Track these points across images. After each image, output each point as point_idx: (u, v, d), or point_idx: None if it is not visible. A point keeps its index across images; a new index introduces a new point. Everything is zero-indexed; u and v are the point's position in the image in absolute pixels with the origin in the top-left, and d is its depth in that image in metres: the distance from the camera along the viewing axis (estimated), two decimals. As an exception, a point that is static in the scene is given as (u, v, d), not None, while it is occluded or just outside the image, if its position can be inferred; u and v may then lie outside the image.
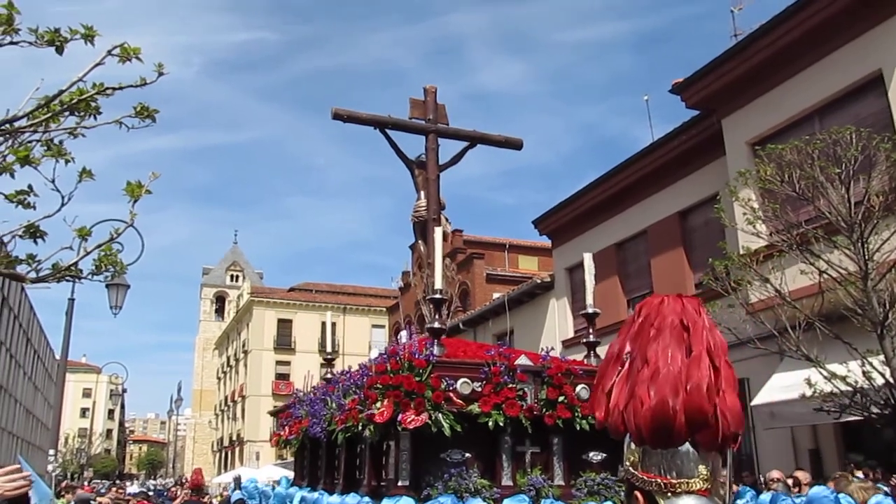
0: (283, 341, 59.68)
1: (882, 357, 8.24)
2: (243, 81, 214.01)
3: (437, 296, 5.91)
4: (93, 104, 3.40)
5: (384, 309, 48.71)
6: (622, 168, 17.80)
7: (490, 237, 34.82)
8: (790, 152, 8.92)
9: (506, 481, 5.47)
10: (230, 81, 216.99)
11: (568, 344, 19.07)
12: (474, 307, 27.45)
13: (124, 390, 66.32)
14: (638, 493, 1.62)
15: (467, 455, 5.36)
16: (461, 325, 25.76)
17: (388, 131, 7.92)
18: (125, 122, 3.53)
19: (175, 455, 79.58)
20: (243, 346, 62.64)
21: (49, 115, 3.32)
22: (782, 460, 12.10)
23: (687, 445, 1.58)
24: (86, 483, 31.88)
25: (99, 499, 11.69)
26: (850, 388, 8.51)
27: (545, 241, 24.23)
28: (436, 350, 5.54)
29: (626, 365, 1.69)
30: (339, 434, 6.06)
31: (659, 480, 1.58)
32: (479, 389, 5.44)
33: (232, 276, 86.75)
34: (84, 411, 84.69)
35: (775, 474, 9.39)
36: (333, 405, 6.54)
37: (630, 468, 1.66)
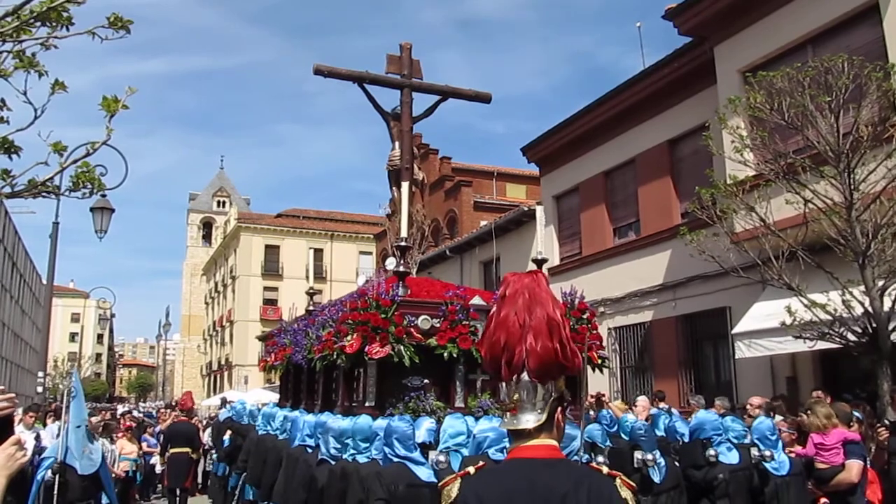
0: (271, 267, 59.75)
1: (862, 287, 8.33)
2: (231, 4, 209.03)
3: (403, 243, 6.89)
4: (64, 14, 3.28)
5: (371, 236, 48.71)
6: (612, 95, 17.56)
7: (478, 165, 34.60)
8: (781, 80, 8.82)
9: (458, 403, 6.31)
10: (217, 4, 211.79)
11: (554, 272, 19.15)
12: (461, 234, 27.47)
13: (112, 315, 66.75)
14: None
15: (426, 381, 6.19)
16: (448, 252, 25.80)
17: (365, 86, 8.41)
18: (98, 32, 3.41)
19: (164, 379, 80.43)
20: (231, 271, 62.71)
21: (18, 23, 3.20)
22: (761, 388, 12.35)
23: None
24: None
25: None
26: (829, 317, 8.61)
27: (533, 170, 24.08)
28: (400, 291, 6.38)
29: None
30: (318, 362, 6.96)
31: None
32: (438, 325, 6.27)
33: (219, 202, 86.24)
34: (73, 336, 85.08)
35: (756, 401, 9.57)
36: (313, 336, 7.41)
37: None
